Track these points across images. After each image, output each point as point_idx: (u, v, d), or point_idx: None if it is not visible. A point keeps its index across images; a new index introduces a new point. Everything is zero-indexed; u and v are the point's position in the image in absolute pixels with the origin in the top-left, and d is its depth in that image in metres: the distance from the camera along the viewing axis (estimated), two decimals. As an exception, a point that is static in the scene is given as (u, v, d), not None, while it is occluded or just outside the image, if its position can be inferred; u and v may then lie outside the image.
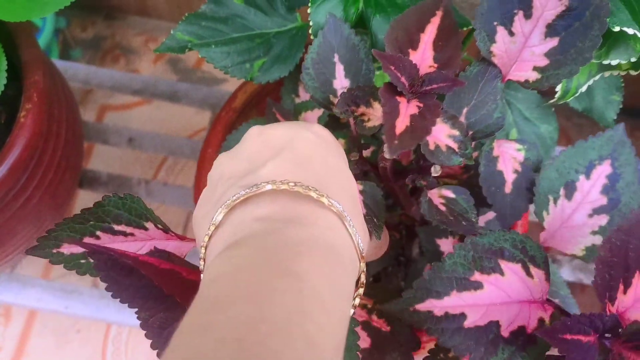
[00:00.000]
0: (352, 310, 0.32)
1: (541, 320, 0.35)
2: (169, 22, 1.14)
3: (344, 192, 0.33)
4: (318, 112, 0.53)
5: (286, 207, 0.30)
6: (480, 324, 0.35)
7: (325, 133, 0.36)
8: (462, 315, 0.35)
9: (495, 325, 0.35)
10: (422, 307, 0.35)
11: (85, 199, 0.97)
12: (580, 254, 0.42)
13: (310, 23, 0.47)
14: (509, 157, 0.46)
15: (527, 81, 0.41)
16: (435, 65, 0.41)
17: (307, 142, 0.33)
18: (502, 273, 0.36)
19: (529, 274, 0.36)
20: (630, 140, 0.44)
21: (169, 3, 1.09)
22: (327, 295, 0.26)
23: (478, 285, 0.35)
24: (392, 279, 0.59)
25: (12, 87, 0.63)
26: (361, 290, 0.33)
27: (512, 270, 0.36)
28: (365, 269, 0.33)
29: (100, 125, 0.88)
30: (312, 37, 0.47)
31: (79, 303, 0.74)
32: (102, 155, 0.99)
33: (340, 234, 0.31)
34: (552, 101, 0.44)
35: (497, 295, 0.35)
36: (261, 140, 0.34)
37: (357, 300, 0.32)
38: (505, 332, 0.35)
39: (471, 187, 0.45)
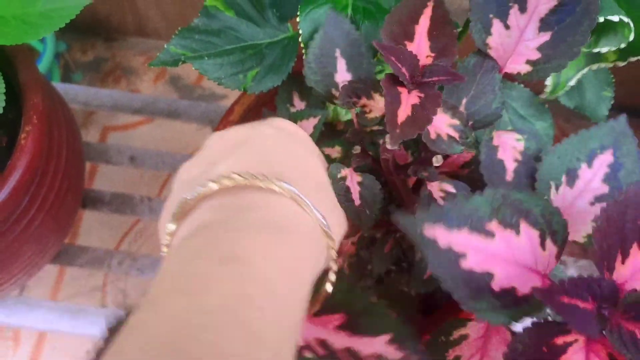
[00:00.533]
0: (330, 288, 0.32)
1: (534, 289, 0.35)
2: (167, 41, 1.15)
3: (308, 178, 0.32)
4: (314, 120, 0.53)
5: (237, 197, 0.30)
6: (476, 269, 0.34)
7: (287, 124, 0.36)
8: (463, 255, 0.34)
9: (488, 276, 0.34)
10: (429, 231, 0.33)
11: (89, 219, 0.98)
12: (581, 240, 0.41)
13: (300, 31, 0.48)
14: (509, 147, 0.46)
15: (519, 74, 0.42)
16: (433, 54, 0.41)
17: (265, 137, 0.33)
18: (518, 233, 0.35)
19: (543, 245, 0.35)
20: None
21: (167, 22, 1.10)
22: (276, 279, 0.25)
23: (490, 234, 0.34)
24: (396, 286, 0.58)
25: (12, 110, 0.64)
26: (334, 266, 0.32)
27: (528, 235, 0.35)
28: (335, 247, 0.32)
29: (103, 146, 0.88)
30: (302, 45, 0.48)
31: (86, 322, 0.74)
32: (106, 175, 1.00)
33: (296, 216, 0.30)
34: (543, 95, 0.45)
35: (503, 251, 0.34)
36: (221, 143, 0.34)
37: (333, 276, 0.32)
38: (495, 286, 0.34)
39: (471, 183, 0.45)
